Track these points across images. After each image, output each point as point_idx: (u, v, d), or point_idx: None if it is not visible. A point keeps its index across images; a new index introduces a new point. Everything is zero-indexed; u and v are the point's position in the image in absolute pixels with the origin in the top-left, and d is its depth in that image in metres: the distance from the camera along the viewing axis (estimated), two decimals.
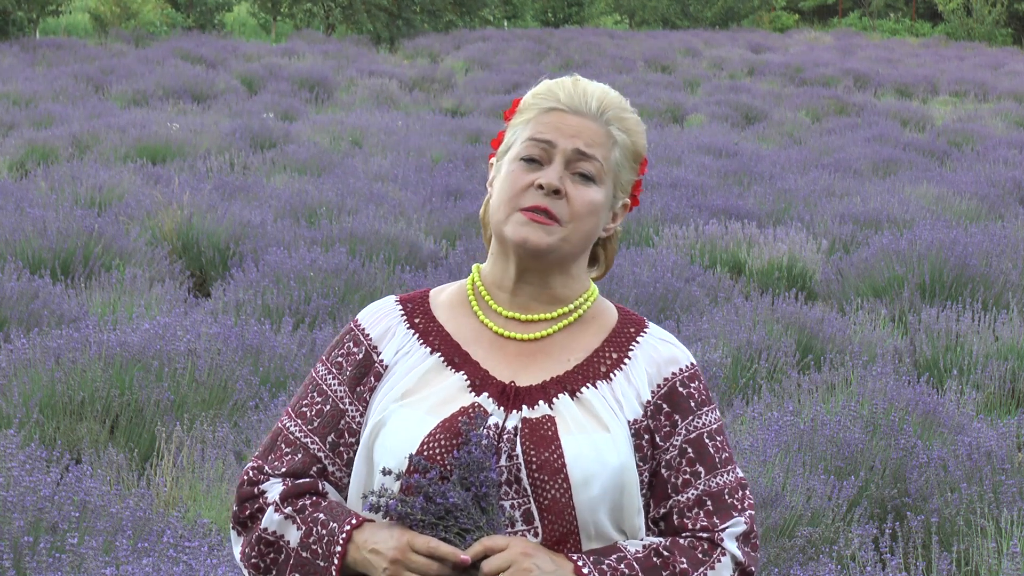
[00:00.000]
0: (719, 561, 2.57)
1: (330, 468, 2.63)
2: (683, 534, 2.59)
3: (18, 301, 8.84)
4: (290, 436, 2.65)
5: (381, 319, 2.67)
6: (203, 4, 43.70)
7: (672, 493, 2.59)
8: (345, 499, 2.63)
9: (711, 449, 2.62)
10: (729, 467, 2.62)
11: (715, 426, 2.63)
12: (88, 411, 7.06)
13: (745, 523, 2.60)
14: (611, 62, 34.65)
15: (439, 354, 2.61)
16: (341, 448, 2.63)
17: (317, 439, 2.63)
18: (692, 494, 2.59)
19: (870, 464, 6.55)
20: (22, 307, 8.81)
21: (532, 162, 2.59)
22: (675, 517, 2.59)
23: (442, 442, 2.52)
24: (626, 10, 54.27)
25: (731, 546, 2.58)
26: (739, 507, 2.61)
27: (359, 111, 24.29)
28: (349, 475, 2.63)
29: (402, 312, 2.68)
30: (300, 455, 2.64)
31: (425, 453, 2.52)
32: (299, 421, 2.65)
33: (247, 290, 9.69)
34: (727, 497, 2.60)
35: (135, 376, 7.16)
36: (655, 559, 2.55)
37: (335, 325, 8.99)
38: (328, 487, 2.63)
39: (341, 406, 2.63)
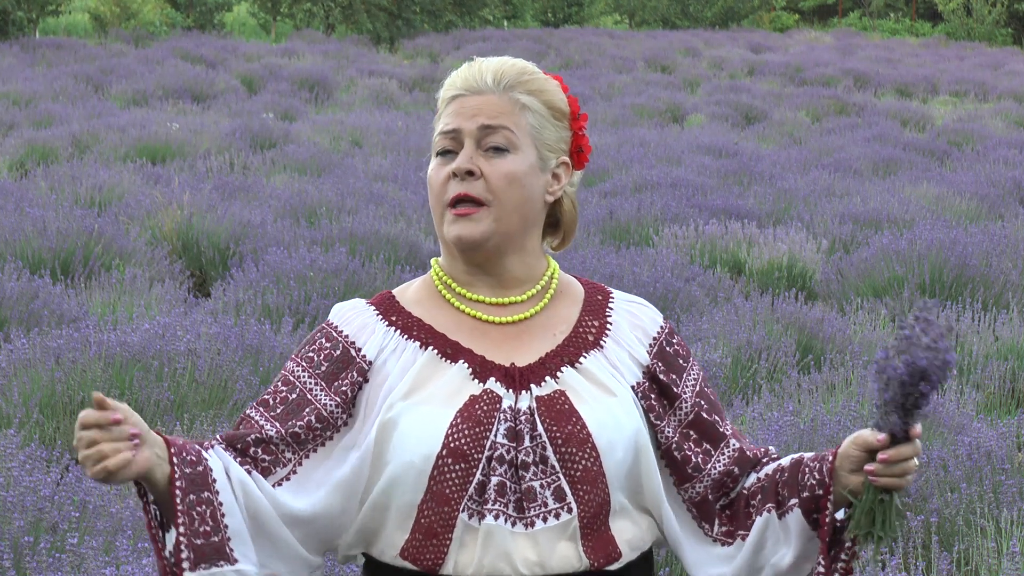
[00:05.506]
0: None
1: (276, 441, 2.57)
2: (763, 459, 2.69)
3: (18, 301, 8.85)
4: (250, 419, 2.61)
5: (355, 317, 2.64)
6: (203, 4, 43.70)
7: (725, 432, 2.67)
8: (276, 483, 2.57)
9: (712, 398, 2.69)
10: (723, 411, 2.72)
11: (703, 375, 2.71)
12: None
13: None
14: (611, 62, 34.64)
15: (431, 348, 2.59)
16: (298, 430, 2.57)
17: (277, 424, 2.58)
18: (729, 429, 2.69)
19: None
20: (22, 307, 8.81)
21: (446, 154, 2.59)
22: (748, 452, 2.67)
23: (465, 431, 2.51)
24: (626, 10, 54.26)
25: None
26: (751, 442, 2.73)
27: (359, 111, 24.30)
28: (295, 457, 2.57)
29: (376, 311, 2.65)
30: (252, 432, 2.59)
31: (452, 445, 2.50)
32: (261, 408, 2.61)
33: (247, 290, 9.69)
34: (741, 436, 2.71)
35: (135, 376, 7.16)
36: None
37: None
38: (256, 457, 2.58)
39: (309, 396, 2.59)
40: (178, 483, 2.48)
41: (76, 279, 10.42)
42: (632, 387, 2.60)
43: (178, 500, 2.47)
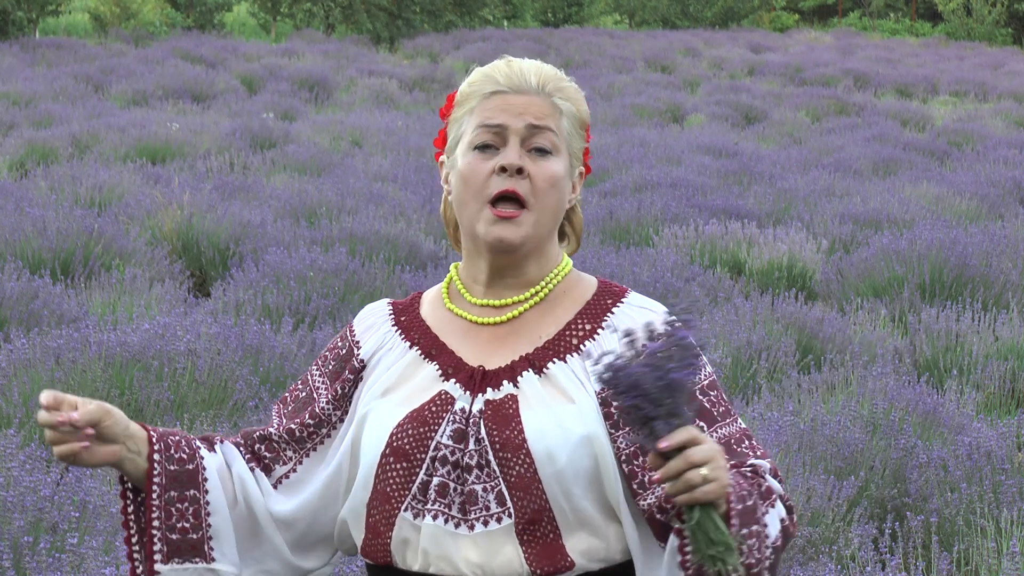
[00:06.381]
0: (770, 495, 2.46)
1: (275, 438, 2.64)
2: None
3: (18, 301, 8.85)
4: (270, 416, 2.69)
5: (369, 317, 2.68)
6: (203, 4, 43.71)
7: None
8: (277, 481, 2.64)
9: (707, 404, 2.53)
10: (729, 419, 2.54)
11: (707, 382, 2.55)
12: None
13: (769, 463, 2.51)
14: (611, 62, 34.65)
15: (417, 348, 2.61)
16: (294, 426, 2.64)
17: (284, 420, 2.66)
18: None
19: (870, 464, 6.56)
20: (22, 307, 8.81)
21: (487, 148, 2.55)
22: None
23: (409, 431, 2.52)
24: (626, 10, 54.28)
25: (770, 480, 2.48)
26: (751, 455, 2.51)
27: (359, 111, 24.30)
28: (295, 456, 2.63)
29: (390, 311, 2.68)
30: (260, 428, 2.68)
31: (394, 444, 2.52)
32: (279, 405, 2.69)
33: (247, 290, 9.69)
34: (735, 446, 2.51)
35: (135, 376, 7.16)
36: (749, 474, 2.45)
37: (335, 325, 8.99)
38: (255, 453, 2.64)
39: (315, 394, 2.65)
40: (156, 479, 2.54)
41: (76, 279, 10.41)
42: (596, 393, 2.53)
43: (154, 496, 2.54)
